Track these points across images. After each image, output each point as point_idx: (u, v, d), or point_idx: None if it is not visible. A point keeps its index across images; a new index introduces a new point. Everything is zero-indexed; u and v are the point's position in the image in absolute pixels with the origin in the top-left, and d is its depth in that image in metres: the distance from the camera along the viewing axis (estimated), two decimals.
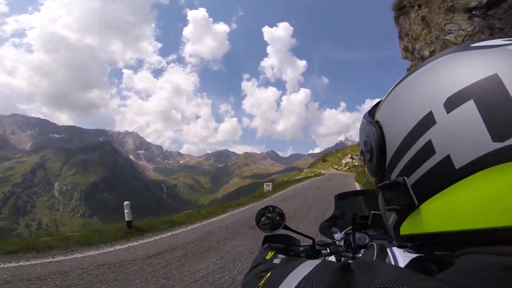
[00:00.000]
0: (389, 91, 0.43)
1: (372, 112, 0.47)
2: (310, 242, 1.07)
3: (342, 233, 1.13)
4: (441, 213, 0.32)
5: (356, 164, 50.69)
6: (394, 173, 0.38)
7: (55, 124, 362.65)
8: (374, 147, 0.41)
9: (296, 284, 0.30)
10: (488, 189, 0.28)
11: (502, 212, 0.26)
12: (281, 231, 1.04)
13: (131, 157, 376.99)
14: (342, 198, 1.32)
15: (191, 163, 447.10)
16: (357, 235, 1.04)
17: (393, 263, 0.38)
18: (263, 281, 0.40)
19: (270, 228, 1.04)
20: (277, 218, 1.06)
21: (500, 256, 0.25)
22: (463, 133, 0.30)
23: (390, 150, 0.39)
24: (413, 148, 0.34)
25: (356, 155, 53.75)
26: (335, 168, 53.94)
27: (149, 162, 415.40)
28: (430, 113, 0.33)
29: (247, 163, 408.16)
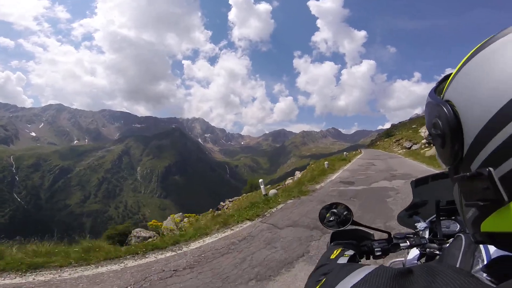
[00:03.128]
0: (458, 66, 0.36)
1: (439, 89, 0.40)
2: (385, 236, 0.95)
3: (427, 221, 1.00)
4: None
5: None
6: (476, 163, 0.32)
7: (135, 116, 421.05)
8: (447, 131, 0.34)
9: None
10: None
11: None
12: (350, 227, 0.94)
13: (200, 140, 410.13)
14: (420, 183, 1.13)
15: (251, 144, 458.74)
16: (446, 223, 0.92)
17: (484, 258, 0.34)
18: (318, 286, 0.39)
19: (337, 224, 0.95)
20: (344, 212, 0.97)
21: None
22: None
23: (469, 135, 0.32)
24: (499, 136, 0.28)
25: None
26: (406, 148, 29.64)
27: (215, 144, 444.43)
28: None
29: (305, 142, 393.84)
